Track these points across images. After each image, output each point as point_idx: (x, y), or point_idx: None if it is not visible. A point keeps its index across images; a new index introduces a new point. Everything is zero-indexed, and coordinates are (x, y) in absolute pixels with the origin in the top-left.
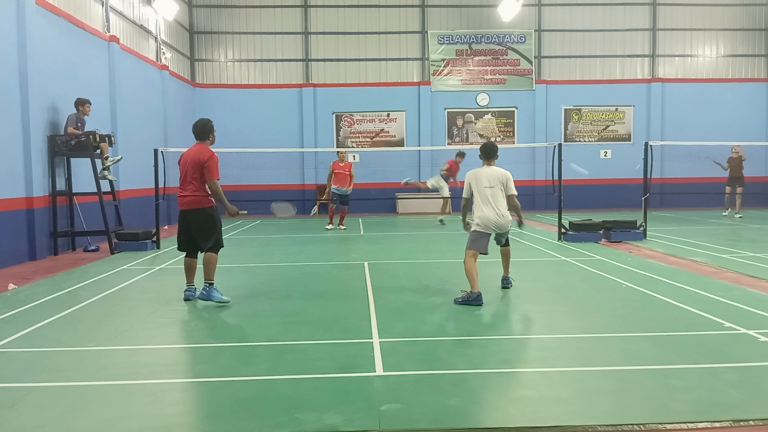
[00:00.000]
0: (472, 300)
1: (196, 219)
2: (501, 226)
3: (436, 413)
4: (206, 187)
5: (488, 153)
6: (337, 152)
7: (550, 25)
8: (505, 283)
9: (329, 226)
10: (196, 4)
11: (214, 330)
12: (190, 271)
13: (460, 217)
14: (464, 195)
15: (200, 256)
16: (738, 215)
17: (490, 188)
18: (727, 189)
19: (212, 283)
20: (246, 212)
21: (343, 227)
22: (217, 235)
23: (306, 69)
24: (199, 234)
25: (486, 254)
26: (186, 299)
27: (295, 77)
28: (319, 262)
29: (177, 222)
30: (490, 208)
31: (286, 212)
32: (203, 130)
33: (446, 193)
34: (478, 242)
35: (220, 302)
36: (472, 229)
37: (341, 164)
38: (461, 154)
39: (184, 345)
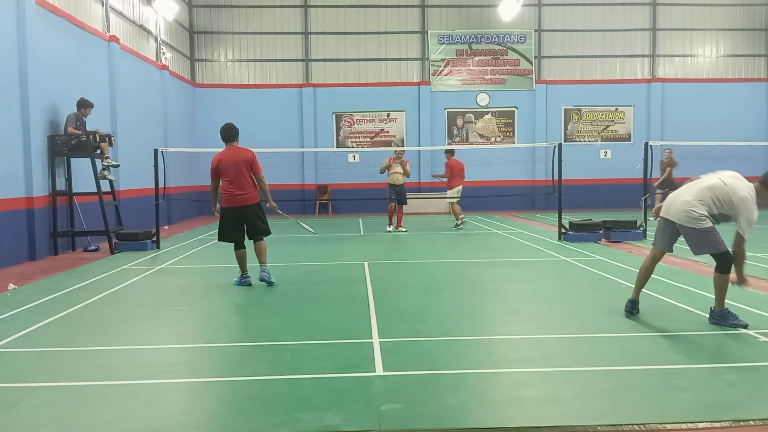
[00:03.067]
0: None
1: (254, 213)
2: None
3: (436, 413)
4: (254, 182)
5: None
6: (397, 151)
7: (550, 25)
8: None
9: (390, 228)
10: (196, 4)
11: (214, 330)
12: (245, 261)
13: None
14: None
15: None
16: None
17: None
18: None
19: (264, 264)
20: (280, 212)
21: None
22: (266, 224)
23: (306, 69)
24: (258, 225)
25: (671, 252)
26: (247, 284)
27: (295, 77)
28: (319, 262)
29: (177, 221)
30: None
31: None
32: (231, 132)
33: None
34: (656, 235)
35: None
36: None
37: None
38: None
39: (184, 345)
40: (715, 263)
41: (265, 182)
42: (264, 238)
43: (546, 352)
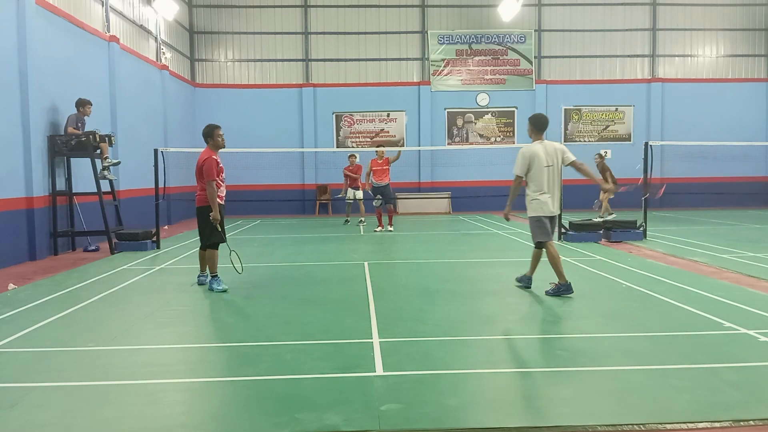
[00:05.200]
0: (563, 290)
1: (200, 216)
2: (556, 210)
3: (436, 413)
4: (203, 187)
5: (541, 125)
6: (376, 151)
7: (550, 25)
8: (527, 283)
9: (379, 229)
10: (196, 4)
11: (214, 330)
12: (201, 261)
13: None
14: (518, 173)
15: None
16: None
17: (549, 167)
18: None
19: (211, 275)
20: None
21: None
22: (205, 233)
23: (306, 69)
24: (199, 230)
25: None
26: (199, 284)
27: (295, 77)
28: (319, 262)
29: (177, 221)
30: (552, 190)
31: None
32: (203, 134)
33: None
34: (545, 229)
35: (216, 291)
36: (531, 215)
37: (379, 161)
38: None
39: (184, 345)
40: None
41: (210, 190)
42: (204, 249)
43: (546, 352)
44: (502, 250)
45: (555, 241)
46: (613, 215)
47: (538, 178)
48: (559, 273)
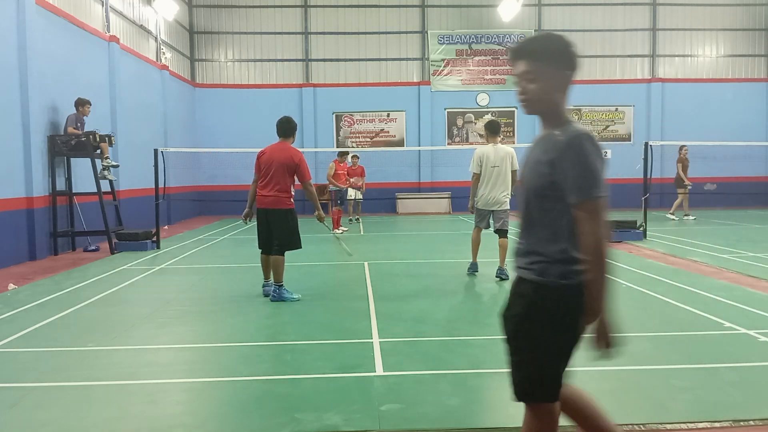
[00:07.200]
0: (471, 267)
1: (276, 219)
2: (499, 203)
3: (436, 413)
4: (289, 188)
5: (494, 130)
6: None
7: (550, 25)
8: (500, 273)
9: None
10: (196, 4)
11: (214, 330)
12: (266, 268)
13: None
14: (474, 170)
15: None
16: (688, 217)
17: (496, 167)
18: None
19: (281, 285)
20: (327, 227)
21: (341, 229)
22: (291, 237)
23: (306, 69)
24: (276, 234)
25: (488, 228)
26: (264, 294)
27: (295, 77)
28: (319, 262)
29: (177, 221)
30: (492, 188)
31: None
32: (288, 127)
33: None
34: (480, 219)
35: (292, 301)
36: (477, 206)
37: (341, 163)
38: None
39: (184, 345)
40: (501, 233)
41: (311, 190)
42: (283, 254)
43: None
44: None
45: None
46: (691, 217)
47: (485, 176)
48: (473, 254)
